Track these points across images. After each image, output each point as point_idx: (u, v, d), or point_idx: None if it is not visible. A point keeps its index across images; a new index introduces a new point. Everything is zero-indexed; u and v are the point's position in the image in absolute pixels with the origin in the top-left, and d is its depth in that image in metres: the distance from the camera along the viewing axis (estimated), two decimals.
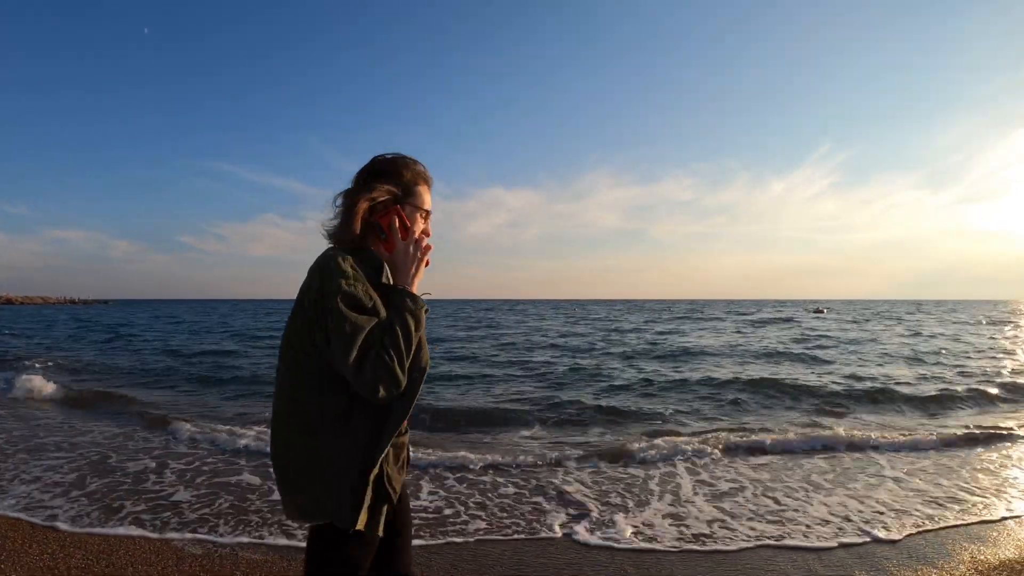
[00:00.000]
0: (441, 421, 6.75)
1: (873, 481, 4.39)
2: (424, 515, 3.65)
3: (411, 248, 1.38)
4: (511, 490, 4.16)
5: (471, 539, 3.31)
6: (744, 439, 5.63)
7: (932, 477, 4.49)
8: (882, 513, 3.68)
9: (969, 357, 13.47)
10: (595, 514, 3.68)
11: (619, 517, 3.62)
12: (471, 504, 3.87)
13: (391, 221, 1.37)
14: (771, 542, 3.24)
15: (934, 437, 5.74)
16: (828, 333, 21.20)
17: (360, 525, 1.25)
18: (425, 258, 1.39)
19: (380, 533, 1.29)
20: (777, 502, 3.91)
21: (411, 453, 1.44)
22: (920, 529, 3.40)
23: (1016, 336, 20.44)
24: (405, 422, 1.35)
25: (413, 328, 1.29)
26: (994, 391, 8.70)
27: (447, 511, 3.73)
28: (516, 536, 3.35)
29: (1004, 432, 5.98)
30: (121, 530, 3.36)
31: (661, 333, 22.04)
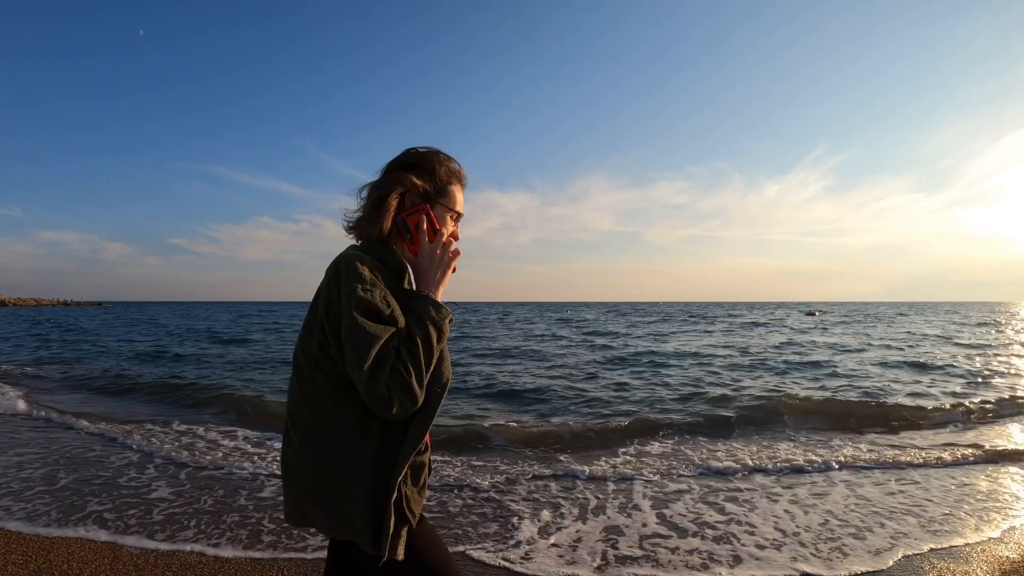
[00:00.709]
0: None
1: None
2: None
3: (439, 251, 1.26)
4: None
5: None
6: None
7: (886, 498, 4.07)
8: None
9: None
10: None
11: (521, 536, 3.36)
12: None
13: (419, 220, 1.26)
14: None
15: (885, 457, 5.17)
16: (802, 339, 20.06)
17: (384, 550, 1.15)
18: (453, 264, 1.29)
19: (400, 557, 1.19)
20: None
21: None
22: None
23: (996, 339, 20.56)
24: (427, 438, 1.25)
25: (435, 340, 1.18)
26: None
27: None
28: None
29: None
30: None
31: (638, 337, 21.45)
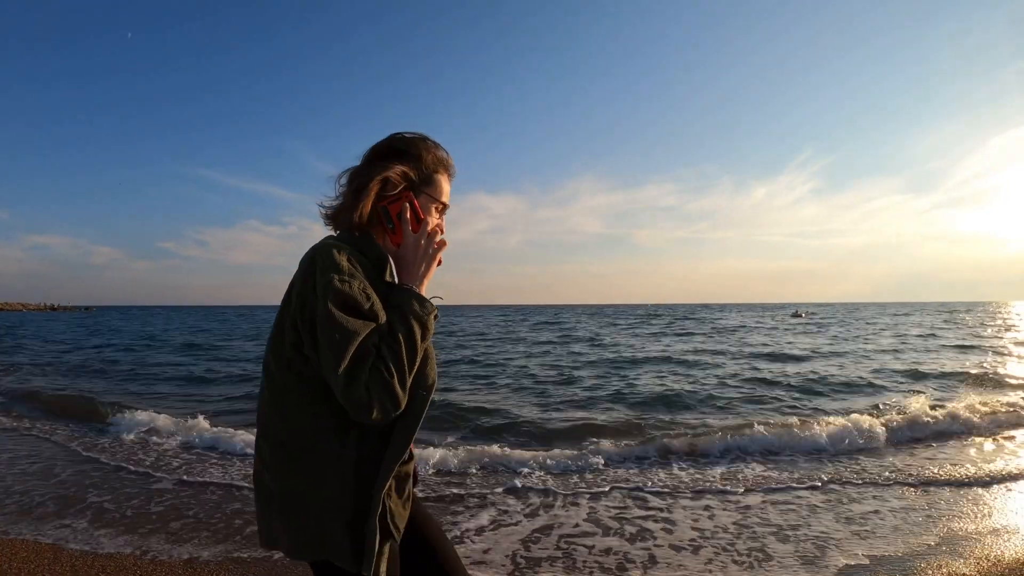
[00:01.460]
0: None
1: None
2: None
3: (423, 242, 1.16)
4: None
5: None
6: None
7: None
8: None
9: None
10: None
11: None
12: None
13: (402, 209, 1.16)
14: None
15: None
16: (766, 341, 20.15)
17: (366, 568, 1.04)
18: (438, 255, 1.19)
19: (383, 574, 1.08)
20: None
21: None
22: None
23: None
24: (411, 446, 1.15)
25: (419, 336, 1.07)
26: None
27: None
28: None
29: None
30: None
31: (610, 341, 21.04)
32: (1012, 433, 6.01)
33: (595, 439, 5.83)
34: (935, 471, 4.65)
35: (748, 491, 4.22)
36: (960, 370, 11.46)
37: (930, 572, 2.86)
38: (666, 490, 4.28)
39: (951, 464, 4.85)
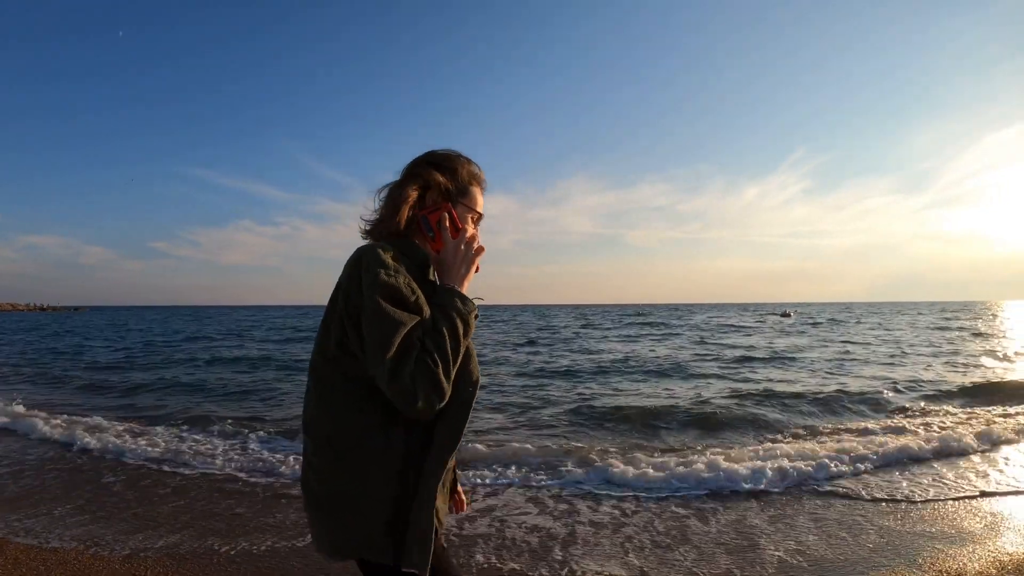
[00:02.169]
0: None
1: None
2: None
3: (463, 247, 1.20)
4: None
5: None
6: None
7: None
8: None
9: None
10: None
11: None
12: None
13: (441, 217, 1.22)
14: None
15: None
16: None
17: (410, 565, 1.08)
18: (477, 260, 1.24)
19: (427, 571, 1.13)
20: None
21: None
22: None
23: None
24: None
25: (462, 332, 1.10)
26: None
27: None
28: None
29: None
30: None
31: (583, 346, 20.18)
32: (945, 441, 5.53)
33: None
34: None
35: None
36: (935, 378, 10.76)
37: None
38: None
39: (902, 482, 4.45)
